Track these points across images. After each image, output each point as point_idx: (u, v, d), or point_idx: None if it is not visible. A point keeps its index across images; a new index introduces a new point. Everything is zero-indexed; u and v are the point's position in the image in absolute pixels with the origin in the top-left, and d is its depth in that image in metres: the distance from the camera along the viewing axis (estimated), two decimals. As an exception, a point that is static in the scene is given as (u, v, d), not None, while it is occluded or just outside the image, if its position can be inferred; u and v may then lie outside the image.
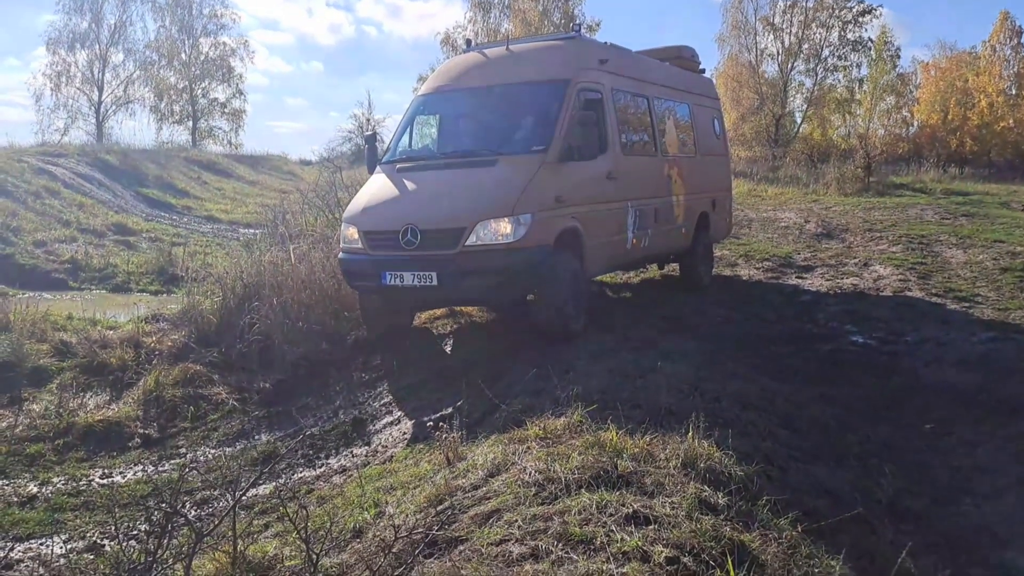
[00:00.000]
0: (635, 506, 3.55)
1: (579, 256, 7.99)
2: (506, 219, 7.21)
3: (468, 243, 7.22)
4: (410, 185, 7.98)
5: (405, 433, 6.59)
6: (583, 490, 3.82)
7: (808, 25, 39.73)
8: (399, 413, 7.07)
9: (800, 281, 11.48)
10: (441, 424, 6.15)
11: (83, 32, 41.69)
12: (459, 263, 7.23)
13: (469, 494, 4.16)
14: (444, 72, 9.24)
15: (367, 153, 8.99)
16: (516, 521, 3.61)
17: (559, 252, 7.58)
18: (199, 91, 46.51)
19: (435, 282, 7.31)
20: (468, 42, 9.82)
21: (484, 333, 8.82)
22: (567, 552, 3.28)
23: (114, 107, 43.38)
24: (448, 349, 8.48)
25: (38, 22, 76.85)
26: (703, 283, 11.24)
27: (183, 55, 45.37)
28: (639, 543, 3.28)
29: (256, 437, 6.97)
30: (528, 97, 8.53)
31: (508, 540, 3.48)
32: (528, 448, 4.78)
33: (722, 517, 3.58)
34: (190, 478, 5.98)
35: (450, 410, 6.54)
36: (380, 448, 6.48)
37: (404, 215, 7.55)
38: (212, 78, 46.74)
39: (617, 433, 4.57)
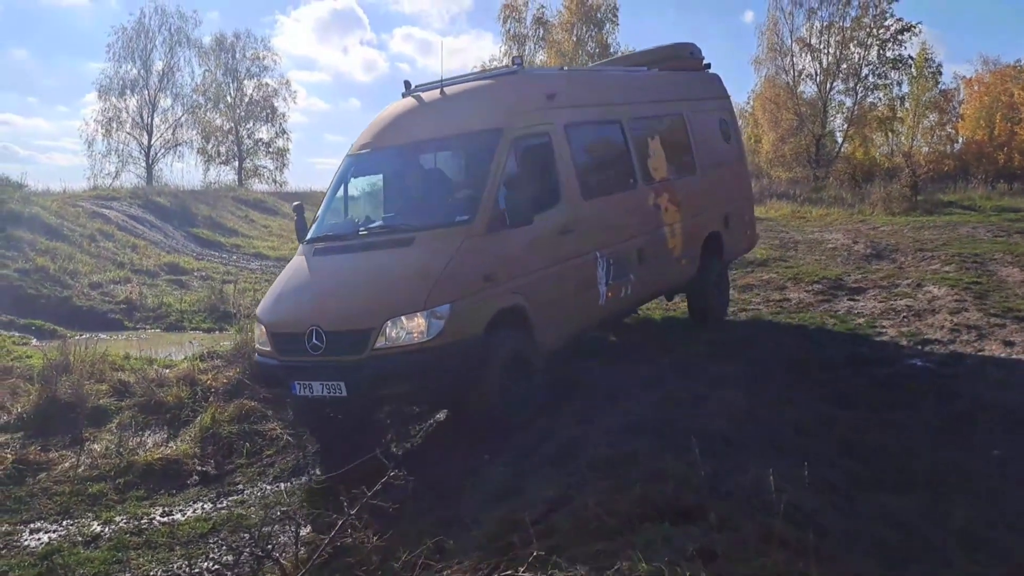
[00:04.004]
0: (701, 540, 3.49)
1: (526, 334, 6.89)
2: (419, 314, 6.12)
3: (378, 346, 6.16)
4: (320, 274, 6.98)
5: (457, 464, 6.57)
6: (646, 524, 3.78)
7: (846, 45, 39.46)
8: (450, 444, 7.05)
9: (852, 303, 11.28)
10: (487, 456, 6.13)
11: (133, 79, 43.29)
12: (369, 370, 6.17)
13: (531, 529, 4.13)
14: (374, 126, 7.96)
15: (296, 228, 7.97)
16: (580, 557, 3.57)
17: (494, 338, 6.49)
18: (244, 132, 47.76)
19: (344, 392, 6.27)
20: (406, 84, 8.21)
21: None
22: (634, 588, 3.24)
23: (163, 150, 44.84)
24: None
25: (85, 69, 79.76)
26: (717, 316, 10.11)
27: (228, 97, 46.73)
28: (708, 578, 3.22)
29: (312, 472, 7.01)
30: (454, 155, 7.60)
31: (573, 576, 3.44)
32: (584, 480, 4.74)
33: (792, 550, 3.50)
34: (249, 513, 6.04)
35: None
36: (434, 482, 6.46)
37: (309, 314, 6.51)
38: (256, 119, 48.02)
39: (676, 464, 4.52)
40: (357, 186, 8.05)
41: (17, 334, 12.33)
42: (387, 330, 6.14)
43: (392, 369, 6.13)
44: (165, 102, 44.56)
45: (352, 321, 6.32)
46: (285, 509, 3.69)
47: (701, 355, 8.50)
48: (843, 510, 4.51)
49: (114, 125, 43.43)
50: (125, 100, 43.53)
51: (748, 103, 45.52)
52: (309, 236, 7.52)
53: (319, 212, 7.88)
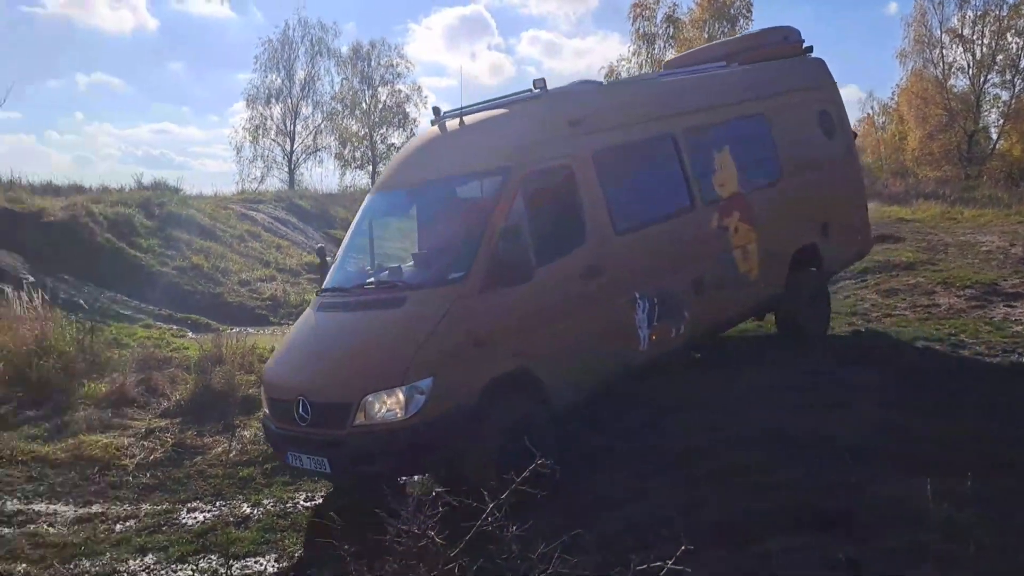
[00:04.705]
0: (845, 551, 3.38)
1: (534, 398, 5.95)
2: (398, 390, 5.39)
3: (357, 423, 5.46)
4: (315, 335, 6.41)
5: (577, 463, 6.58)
6: (782, 532, 3.69)
7: (1002, 34, 36.72)
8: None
9: (1009, 310, 10.53)
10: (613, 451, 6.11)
11: (277, 88, 45.58)
12: (349, 447, 5.53)
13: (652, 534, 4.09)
14: (394, 160, 7.31)
15: (320, 275, 7.24)
16: (713, 562, 3.52)
17: (491, 407, 5.59)
18: (378, 137, 49.31)
19: (328, 469, 5.70)
20: (435, 110, 7.25)
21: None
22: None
23: (304, 155, 46.94)
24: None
25: (233, 81, 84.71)
26: (814, 334, 8.90)
27: (364, 104, 48.42)
28: (850, 590, 3.12)
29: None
30: (459, 198, 6.75)
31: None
32: (714, 487, 4.66)
33: (945, 564, 3.33)
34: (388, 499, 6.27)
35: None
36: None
37: (298, 382, 5.98)
38: (389, 124, 49.44)
39: (814, 473, 4.39)
40: (377, 229, 7.25)
41: (175, 327, 13.32)
42: (366, 405, 5.47)
43: (372, 448, 5.47)
44: (306, 110, 46.77)
45: (334, 394, 5.71)
46: (438, 491, 3.78)
47: (840, 362, 8.14)
48: (993, 525, 4.24)
49: (260, 132, 45.88)
50: (270, 108, 45.94)
51: (892, 98, 43.19)
52: (325, 285, 6.90)
53: (337, 256, 7.23)
